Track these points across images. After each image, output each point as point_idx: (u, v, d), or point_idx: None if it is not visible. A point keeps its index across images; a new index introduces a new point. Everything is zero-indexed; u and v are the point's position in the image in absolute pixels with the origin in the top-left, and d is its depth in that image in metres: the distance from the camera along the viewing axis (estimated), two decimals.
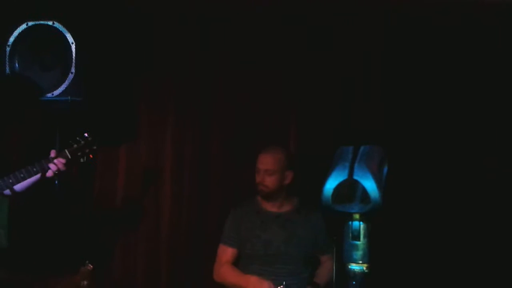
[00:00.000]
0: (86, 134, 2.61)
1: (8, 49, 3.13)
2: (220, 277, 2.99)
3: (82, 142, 2.59)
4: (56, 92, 3.08)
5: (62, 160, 2.51)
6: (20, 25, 3.13)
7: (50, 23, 3.09)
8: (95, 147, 2.62)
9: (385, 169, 1.27)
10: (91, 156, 2.62)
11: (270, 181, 2.95)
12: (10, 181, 2.47)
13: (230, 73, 3.36)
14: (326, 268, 2.95)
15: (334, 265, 2.76)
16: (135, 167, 3.37)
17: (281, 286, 2.31)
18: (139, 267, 3.34)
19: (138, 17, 3.34)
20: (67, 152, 2.54)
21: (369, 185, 1.18)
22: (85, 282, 2.51)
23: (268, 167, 2.95)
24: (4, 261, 3.02)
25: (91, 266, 2.51)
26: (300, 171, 3.06)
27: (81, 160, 2.59)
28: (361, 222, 1.22)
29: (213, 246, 3.06)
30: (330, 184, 1.23)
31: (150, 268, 3.35)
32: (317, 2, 3.22)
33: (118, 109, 3.34)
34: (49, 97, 3.09)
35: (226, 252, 3.01)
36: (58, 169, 2.50)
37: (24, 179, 2.49)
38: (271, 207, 3.03)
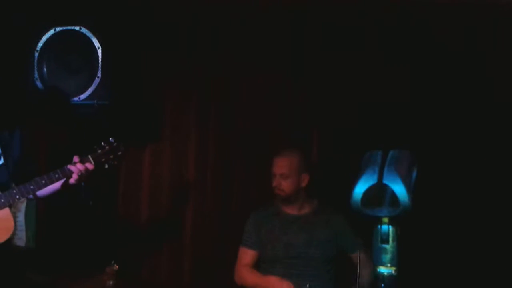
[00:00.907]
0: (111, 139, 2.49)
1: (36, 54, 3.21)
2: (240, 279, 3.01)
3: (107, 147, 2.47)
4: (83, 96, 3.15)
5: (86, 166, 2.40)
6: (48, 30, 3.21)
7: (77, 28, 3.17)
8: (120, 153, 2.49)
9: (414, 173, 1.28)
10: (115, 162, 2.49)
11: (286, 185, 2.96)
12: (31, 187, 2.36)
13: (254, 76, 3.36)
14: (364, 265, 2.92)
15: (359, 264, 2.78)
16: (159, 169, 3.41)
17: None
18: (163, 267, 3.38)
19: (163, 20, 3.37)
20: (90, 157, 2.43)
21: (399, 189, 1.19)
22: (111, 282, 2.52)
23: (283, 171, 2.97)
24: (31, 262, 3.10)
25: (117, 266, 2.52)
26: (323, 175, 3.06)
27: (105, 166, 2.47)
28: (390, 226, 1.24)
29: (235, 248, 3.08)
30: (360, 188, 1.24)
31: (174, 268, 3.38)
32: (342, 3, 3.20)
33: (142, 112, 3.38)
34: (76, 101, 3.15)
35: (247, 255, 3.02)
36: (81, 175, 2.40)
37: (45, 185, 2.38)
38: (290, 210, 3.04)
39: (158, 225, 3.39)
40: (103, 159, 2.46)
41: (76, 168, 2.39)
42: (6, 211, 2.34)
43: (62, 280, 2.65)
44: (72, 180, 2.40)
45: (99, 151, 2.46)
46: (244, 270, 3.00)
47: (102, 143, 2.48)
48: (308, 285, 2.46)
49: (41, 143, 3.32)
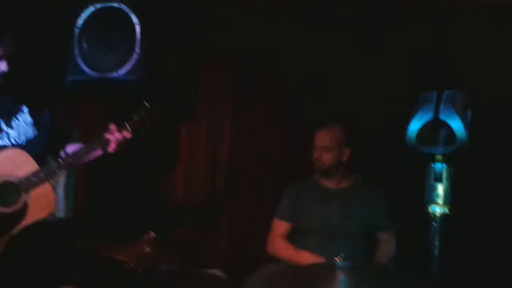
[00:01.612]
0: (146, 103, 2.46)
1: (77, 31, 3.28)
2: (273, 250, 3.01)
3: (142, 113, 2.44)
4: (122, 71, 3.20)
5: (124, 134, 2.38)
6: (87, 7, 3.27)
7: (116, 5, 3.22)
8: (154, 118, 2.46)
9: (469, 114, 1.27)
10: (151, 127, 2.44)
11: (327, 158, 2.96)
12: (70, 160, 2.35)
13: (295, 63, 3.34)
14: (386, 246, 2.94)
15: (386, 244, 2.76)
16: (194, 147, 3.44)
17: (339, 257, 2.31)
18: (197, 239, 3.41)
19: None
20: (127, 125, 2.40)
21: (456, 125, 1.18)
22: (148, 249, 2.54)
23: (325, 144, 2.97)
24: (71, 231, 3.17)
25: (153, 234, 2.54)
26: (364, 149, 3.03)
27: (142, 132, 2.44)
28: (444, 164, 1.24)
29: (269, 220, 3.08)
30: (415, 125, 1.24)
31: (207, 242, 3.41)
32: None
33: (179, 88, 3.42)
34: (115, 76, 3.21)
35: (281, 226, 3.02)
36: (119, 144, 2.38)
37: (83, 156, 2.37)
38: (329, 183, 3.04)
39: (193, 195, 3.42)
40: (140, 126, 2.44)
41: (114, 137, 2.38)
42: (47, 185, 2.35)
43: (101, 247, 2.69)
44: (110, 149, 2.39)
45: (135, 117, 2.44)
46: (278, 241, 3.00)
47: (138, 109, 2.46)
48: (342, 254, 2.45)
49: (79, 117, 3.38)
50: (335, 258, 2.37)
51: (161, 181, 3.48)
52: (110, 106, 3.33)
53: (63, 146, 2.44)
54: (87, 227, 3.24)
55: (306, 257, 2.85)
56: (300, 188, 3.06)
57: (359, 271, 2.21)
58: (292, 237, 3.04)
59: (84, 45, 3.29)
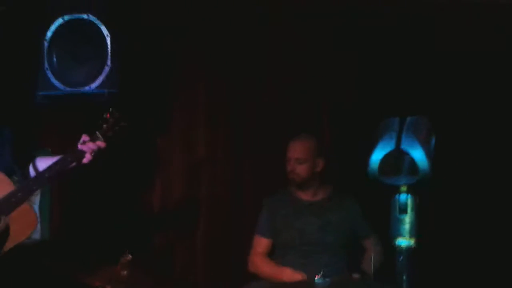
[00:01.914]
0: (111, 110, 2.46)
1: (46, 44, 3.19)
2: (254, 268, 2.99)
3: (111, 120, 2.44)
4: (94, 85, 3.12)
5: (97, 144, 2.38)
6: (56, 19, 3.18)
7: (85, 16, 3.14)
8: (123, 123, 2.46)
9: (433, 140, 1.22)
10: (121, 133, 2.45)
11: (301, 170, 2.94)
12: (46, 175, 2.34)
13: (263, 67, 3.33)
14: (373, 252, 2.90)
15: (373, 249, 2.74)
16: (169, 156, 3.38)
17: (319, 275, 2.27)
18: (177, 257, 3.36)
19: (172, 7, 3.34)
20: (98, 134, 2.41)
21: (418, 155, 1.13)
22: (125, 272, 2.50)
23: (298, 156, 2.94)
24: (45, 253, 3.09)
25: (130, 256, 2.50)
26: (336, 160, 3.02)
27: (115, 139, 2.44)
28: (408, 195, 1.18)
29: (250, 235, 3.05)
30: (377, 155, 1.18)
31: (188, 259, 3.36)
32: None
33: (152, 99, 3.35)
34: (87, 90, 3.13)
35: (261, 243, 3.00)
36: (94, 154, 2.37)
37: (60, 170, 2.36)
38: (304, 196, 3.01)
39: (171, 215, 3.36)
40: (110, 133, 2.43)
41: (87, 147, 2.37)
42: (25, 205, 2.30)
43: (76, 270, 2.64)
44: (85, 160, 2.38)
45: (105, 125, 2.43)
46: (259, 259, 2.98)
47: (105, 117, 2.45)
48: (322, 272, 2.41)
49: (51, 131, 3.31)
50: (316, 275, 2.35)
51: (138, 195, 3.41)
52: (83, 120, 3.25)
53: (30, 162, 2.41)
54: (63, 249, 3.17)
55: (287, 274, 2.82)
56: (276, 202, 3.04)
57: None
58: (273, 253, 3.00)
59: (54, 59, 3.20)
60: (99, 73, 3.11)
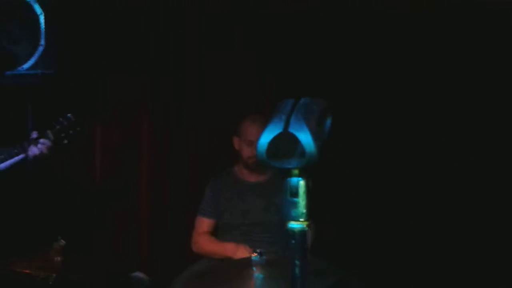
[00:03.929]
0: (69, 115, 2.50)
1: None
2: (198, 248, 2.97)
3: (65, 123, 2.48)
4: (26, 65, 3.01)
5: (45, 142, 2.42)
6: None
7: None
8: (79, 129, 2.51)
9: (328, 122, 1.20)
10: (74, 138, 2.52)
11: None
12: None
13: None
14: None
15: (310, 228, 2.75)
16: (110, 139, 3.31)
17: (255, 254, 2.27)
18: (116, 242, 3.31)
19: None
20: (50, 133, 2.44)
21: (304, 137, 1.11)
22: (58, 258, 2.45)
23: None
24: None
25: (64, 242, 2.45)
26: None
27: (65, 141, 2.49)
28: (300, 178, 1.16)
29: (192, 216, 3.02)
30: (265, 138, 1.16)
31: (128, 243, 3.32)
32: None
33: (91, 82, 3.26)
34: (19, 70, 3.01)
35: (203, 223, 2.99)
36: (42, 151, 2.41)
37: (4, 160, 2.41)
38: (248, 177, 3.00)
39: (111, 199, 3.30)
40: (62, 135, 2.46)
41: (36, 144, 2.41)
42: None
43: (9, 262, 2.56)
44: (31, 156, 2.41)
45: (58, 127, 2.46)
46: (201, 238, 2.97)
47: (61, 119, 2.49)
48: (259, 251, 2.41)
49: None
50: (253, 253, 2.34)
51: (76, 177, 3.32)
52: (16, 102, 3.14)
53: None
54: None
55: (231, 248, 2.80)
56: (221, 183, 3.01)
57: (275, 266, 2.17)
58: (215, 234, 3.00)
59: None
60: (33, 53, 3.00)
